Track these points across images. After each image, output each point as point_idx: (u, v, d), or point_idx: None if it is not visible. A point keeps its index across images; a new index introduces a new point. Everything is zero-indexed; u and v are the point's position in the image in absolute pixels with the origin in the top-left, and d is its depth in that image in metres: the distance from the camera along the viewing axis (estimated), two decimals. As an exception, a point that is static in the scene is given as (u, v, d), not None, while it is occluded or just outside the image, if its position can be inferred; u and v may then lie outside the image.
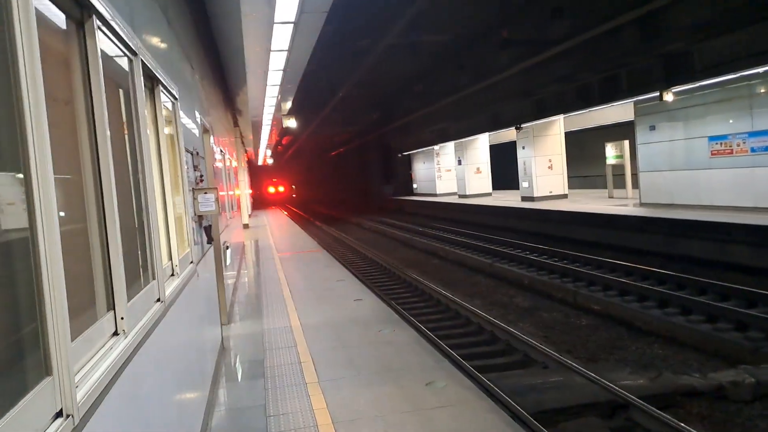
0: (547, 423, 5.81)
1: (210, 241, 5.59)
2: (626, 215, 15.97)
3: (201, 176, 5.55)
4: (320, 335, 6.92)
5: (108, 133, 2.25)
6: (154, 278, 2.96)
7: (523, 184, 26.70)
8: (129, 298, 2.38)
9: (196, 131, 6.12)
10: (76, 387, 1.62)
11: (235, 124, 20.07)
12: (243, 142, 26.70)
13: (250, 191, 35.85)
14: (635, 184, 19.44)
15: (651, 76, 15.30)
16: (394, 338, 6.63)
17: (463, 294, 12.14)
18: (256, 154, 36.61)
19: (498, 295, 12.24)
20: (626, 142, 21.12)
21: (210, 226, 5.66)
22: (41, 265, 1.45)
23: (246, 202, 25.96)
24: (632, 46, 14.56)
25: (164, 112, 4.17)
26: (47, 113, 1.82)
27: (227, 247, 8.42)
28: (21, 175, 1.46)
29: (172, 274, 3.81)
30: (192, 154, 5.38)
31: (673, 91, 14.72)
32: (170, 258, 3.83)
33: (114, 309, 2.21)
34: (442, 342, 8.04)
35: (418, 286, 12.98)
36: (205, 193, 5.27)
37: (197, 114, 6.34)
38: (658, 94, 14.99)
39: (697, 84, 14.50)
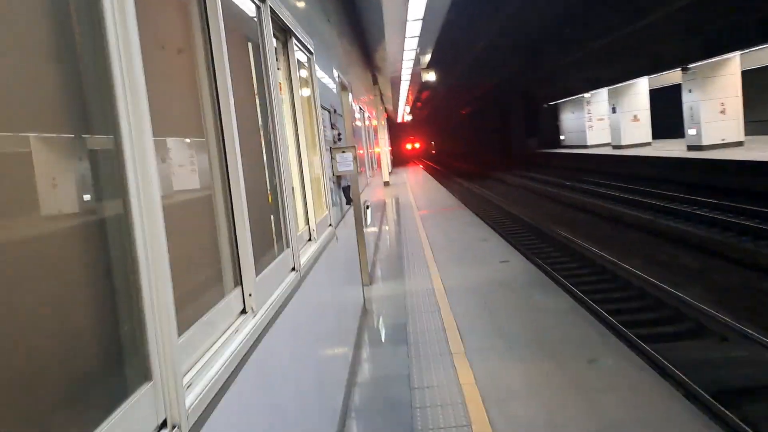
0: (729, 405, 5.03)
1: (349, 201, 5.39)
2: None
3: (339, 135, 5.32)
4: (464, 299, 6.56)
5: (230, 88, 1.96)
6: (288, 246, 2.72)
7: (690, 132, 24.07)
8: (258, 271, 2.13)
9: (334, 88, 5.89)
10: (188, 388, 1.37)
11: (375, 82, 19.98)
12: (382, 100, 26.70)
13: (389, 149, 36.10)
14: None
15: None
16: (547, 304, 6.08)
17: (620, 253, 11.13)
18: (395, 112, 36.63)
19: (660, 255, 11.10)
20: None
21: (349, 186, 5.44)
22: (139, 257, 1.18)
23: (386, 160, 26.10)
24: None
25: (299, 67, 3.92)
26: (158, 66, 1.56)
27: (368, 207, 8.27)
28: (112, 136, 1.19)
29: (309, 239, 3.60)
30: (329, 111, 5.14)
31: None
32: (307, 222, 3.61)
33: (241, 285, 1.97)
34: (601, 309, 7.30)
35: (569, 245, 12.15)
36: (343, 152, 5.03)
37: (334, 70, 6.10)
38: None
39: None
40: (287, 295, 2.50)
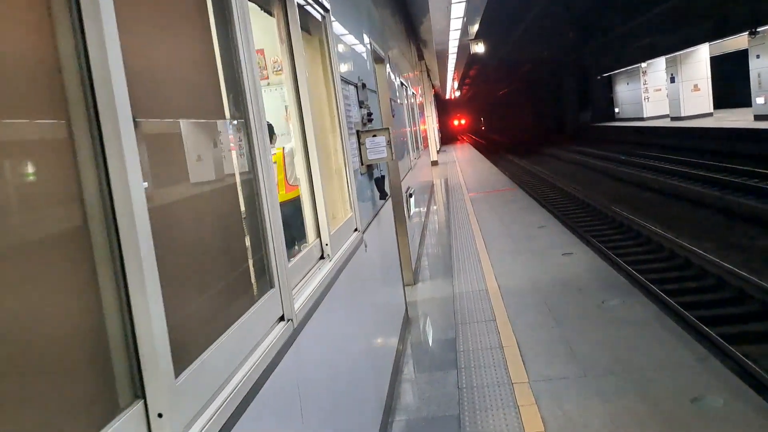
0: None
1: (384, 196, 4.46)
2: None
3: (369, 114, 4.39)
4: (524, 304, 5.56)
5: (109, 25, 1.06)
6: (272, 287, 1.83)
7: (758, 100, 22.67)
8: (195, 354, 1.25)
9: (363, 58, 4.93)
10: None
11: (420, 57, 18.90)
12: (429, 76, 25.55)
13: (437, 126, 34.92)
14: None
15: None
16: (625, 313, 5.02)
17: (689, 236, 9.96)
18: (443, 88, 35.35)
19: (735, 236, 9.89)
20: None
21: (383, 177, 4.51)
22: None
23: (434, 139, 25.02)
24: None
25: (307, 24, 3.01)
26: None
27: (410, 195, 7.32)
28: None
29: (322, 257, 2.70)
30: (356, 86, 4.21)
31: None
32: (318, 235, 2.71)
33: (144, 399, 1.08)
34: (691, 315, 6.12)
35: (632, 226, 11.00)
36: (374, 136, 4.09)
37: (365, 36, 5.14)
38: None
39: None
40: (274, 356, 1.61)
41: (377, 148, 4.11)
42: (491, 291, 6.11)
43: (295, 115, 2.63)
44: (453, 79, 32.76)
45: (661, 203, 13.72)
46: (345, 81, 3.77)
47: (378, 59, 6.17)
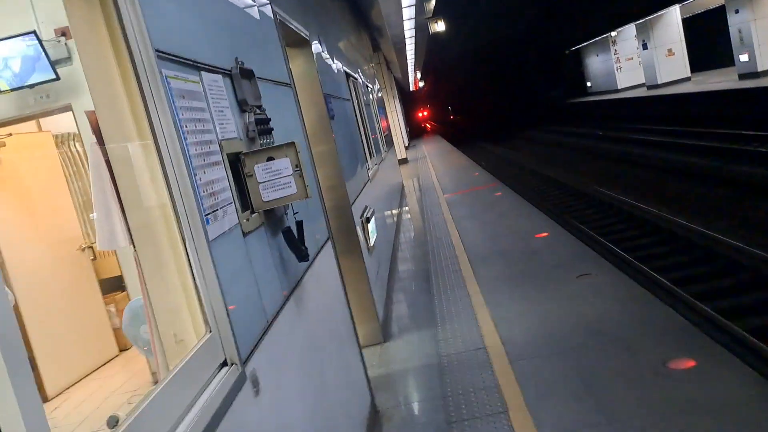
0: None
1: (303, 257, 2.62)
2: None
3: (262, 122, 2.54)
4: (545, 377, 3.76)
5: None
6: None
7: (741, 58, 21.59)
8: None
9: (251, 28, 3.05)
10: None
11: (376, 48, 17.14)
12: (389, 68, 23.78)
13: (403, 120, 33.16)
14: None
15: None
16: (706, 389, 3.24)
17: (693, 214, 8.57)
18: (405, 79, 33.60)
19: (746, 211, 8.41)
20: None
21: (300, 224, 2.67)
22: None
23: (400, 135, 23.25)
24: None
25: None
26: None
27: (368, 219, 5.49)
28: None
29: None
30: (228, 75, 2.35)
31: None
32: None
33: None
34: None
35: (635, 212, 9.46)
36: (270, 159, 2.26)
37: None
38: None
39: None
40: None
41: (277, 179, 2.28)
42: (492, 351, 4.30)
43: None
44: (415, 69, 31.03)
45: (653, 180, 12.22)
46: (188, 64, 1.92)
47: (297, 41, 4.31)
